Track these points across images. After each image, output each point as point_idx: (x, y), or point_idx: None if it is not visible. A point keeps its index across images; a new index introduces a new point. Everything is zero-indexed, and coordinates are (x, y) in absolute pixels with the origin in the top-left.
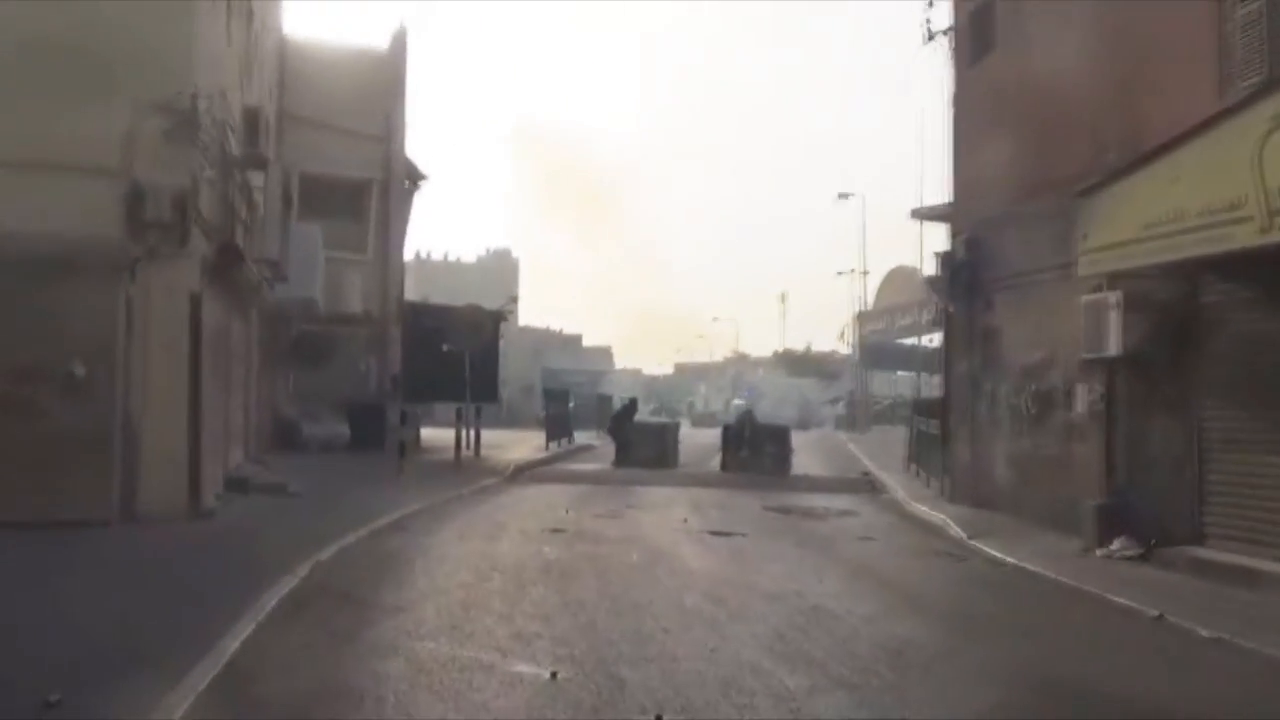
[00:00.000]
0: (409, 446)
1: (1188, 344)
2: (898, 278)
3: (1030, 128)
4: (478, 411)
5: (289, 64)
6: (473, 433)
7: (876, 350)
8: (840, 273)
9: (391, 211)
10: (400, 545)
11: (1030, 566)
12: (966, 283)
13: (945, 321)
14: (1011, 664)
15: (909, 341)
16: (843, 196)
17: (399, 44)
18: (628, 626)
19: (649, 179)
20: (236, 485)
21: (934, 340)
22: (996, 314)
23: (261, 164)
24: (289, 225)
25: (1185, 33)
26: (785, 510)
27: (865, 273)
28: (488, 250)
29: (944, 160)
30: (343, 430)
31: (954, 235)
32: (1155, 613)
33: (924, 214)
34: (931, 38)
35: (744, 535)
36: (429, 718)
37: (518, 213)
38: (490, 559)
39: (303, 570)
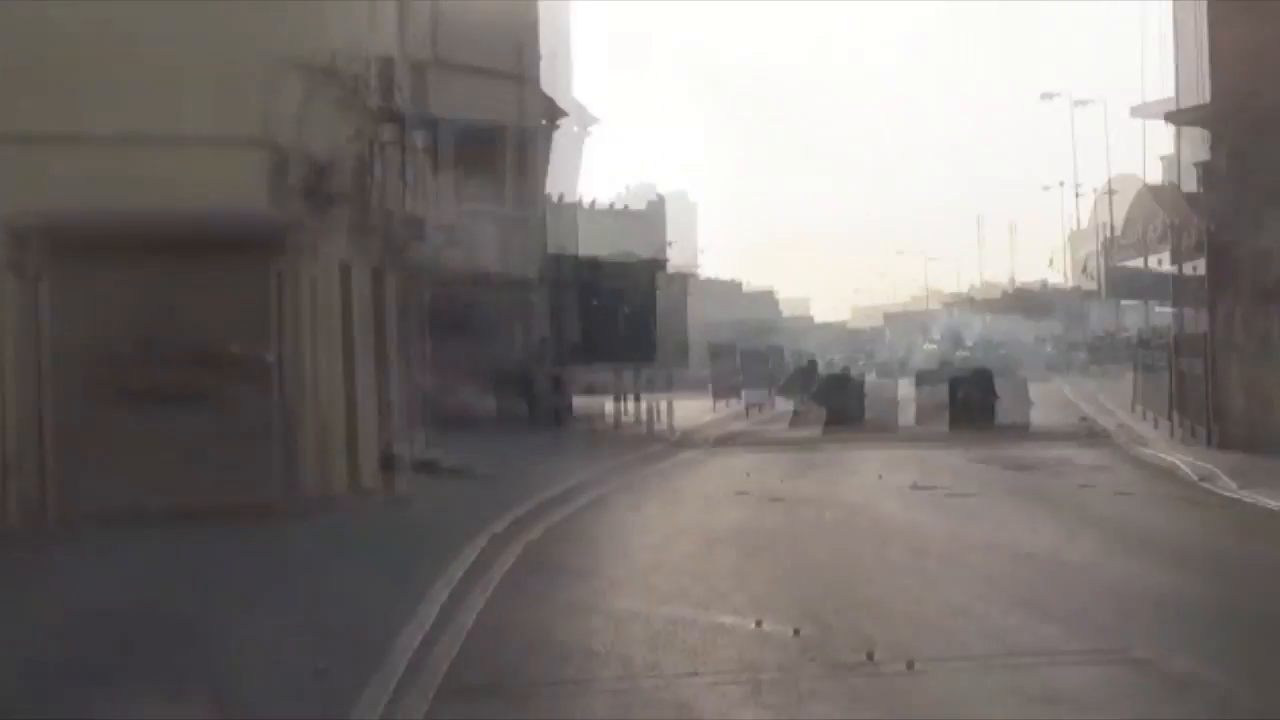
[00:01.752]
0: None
1: None
2: (1145, 194)
3: None
4: (649, 376)
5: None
6: (642, 399)
7: (1128, 279)
8: (1047, 187)
9: (532, 159)
10: (607, 520)
11: None
12: (1232, 197)
13: (1209, 242)
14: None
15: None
16: (1047, 97)
17: None
18: (831, 581)
19: (820, 106)
20: (423, 468)
21: (1199, 267)
22: (1267, 232)
23: (397, 119)
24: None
25: None
26: (992, 461)
27: (1076, 191)
28: (658, 195)
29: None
30: (519, 406)
31: (1215, 141)
32: None
33: (1148, 111)
34: None
35: (947, 488)
36: (679, 670)
37: (687, 151)
38: (681, 525)
39: (514, 550)
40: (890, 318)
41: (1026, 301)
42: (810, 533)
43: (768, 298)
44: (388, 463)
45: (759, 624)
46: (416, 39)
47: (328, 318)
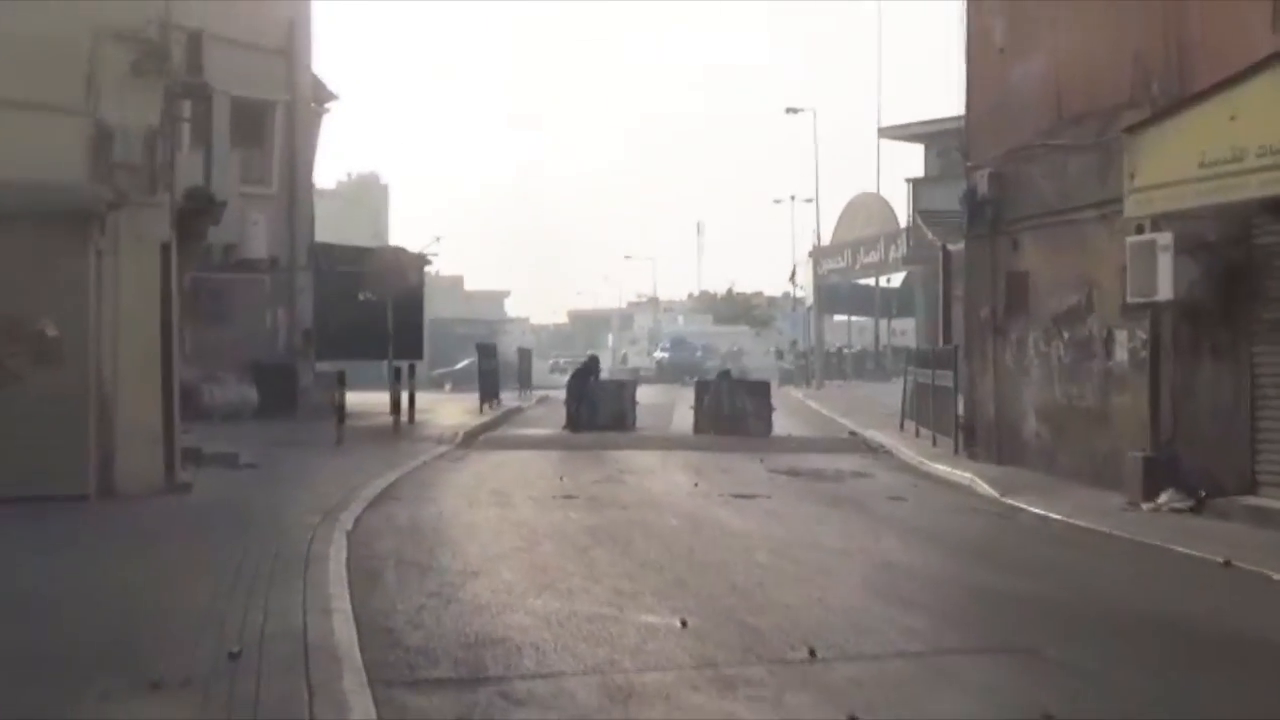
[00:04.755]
0: (367, 416)
1: (1240, 287)
2: (860, 207)
3: (1065, 51)
4: (412, 370)
5: None
6: (406, 395)
7: (832, 292)
8: (778, 200)
9: (298, 138)
10: (416, 514)
11: (1079, 521)
12: (990, 221)
13: (944, 260)
14: (1100, 604)
15: (867, 282)
16: (791, 111)
17: None
18: (719, 582)
19: (549, 85)
20: (190, 456)
21: (893, 280)
22: (1024, 255)
23: (206, 95)
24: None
25: None
26: (793, 472)
27: (809, 200)
28: (350, 175)
29: (905, 74)
30: (250, 394)
31: (971, 168)
32: (1222, 559)
33: (894, 133)
34: None
35: (768, 497)
36: (598, 660)
37: (385, 131)
38: (524, 526)
39: (339, 540)
40: (574, 315)
41: (714, 305)
42: (668, 538)
43: (496, 297)
44: (191, 455)
45: (684, 624)
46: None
47: (148, 302)
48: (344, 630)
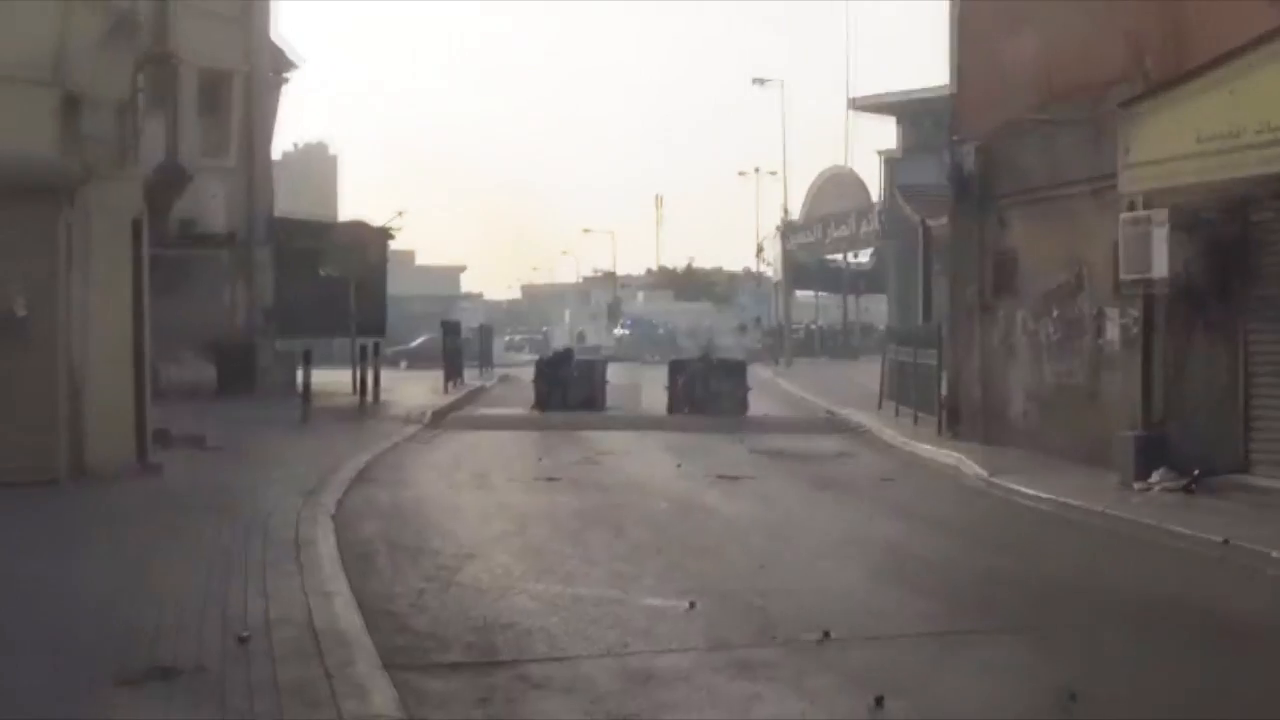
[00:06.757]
0: (328, 396)
1: (1235, 265)
2: (831, 181)
3: (1056, 26)
4: (376, 349)
5: None
6: (370, 374)
7: (800, 269)
8: (743, 172)
9: (257, 109)
10: (397, 497)
11: (1073, 501)
12: (977, 197)
13: (925, 237)
14: (1106, 585)
15: (835, 258)
16: (758, 82)
17: None
18: (719, 565)
19: (507, 52)
20: (158, 438)
21: (860, 256)
22: (1012, 233)
23: (173, 65)
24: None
25: None
26: (776, 453)
27: (774, 173)
28: (296, 145)
29: (876, 45)
30: (208, 372)
31: (958, 143)
32: (1221, 538)
33: (866, 105)
34: None
35: (754, 479)
36: (610, 643)
37: (333, 99)
38: (509, 508)
39: (325, 524)
40: (529, 290)
41: (673, 281)
42: (659, 521)
43: (451, 273)
44: (159, 437)
45: (692, 606)
46: None
47: (120, 278)
48: (349, 614)
